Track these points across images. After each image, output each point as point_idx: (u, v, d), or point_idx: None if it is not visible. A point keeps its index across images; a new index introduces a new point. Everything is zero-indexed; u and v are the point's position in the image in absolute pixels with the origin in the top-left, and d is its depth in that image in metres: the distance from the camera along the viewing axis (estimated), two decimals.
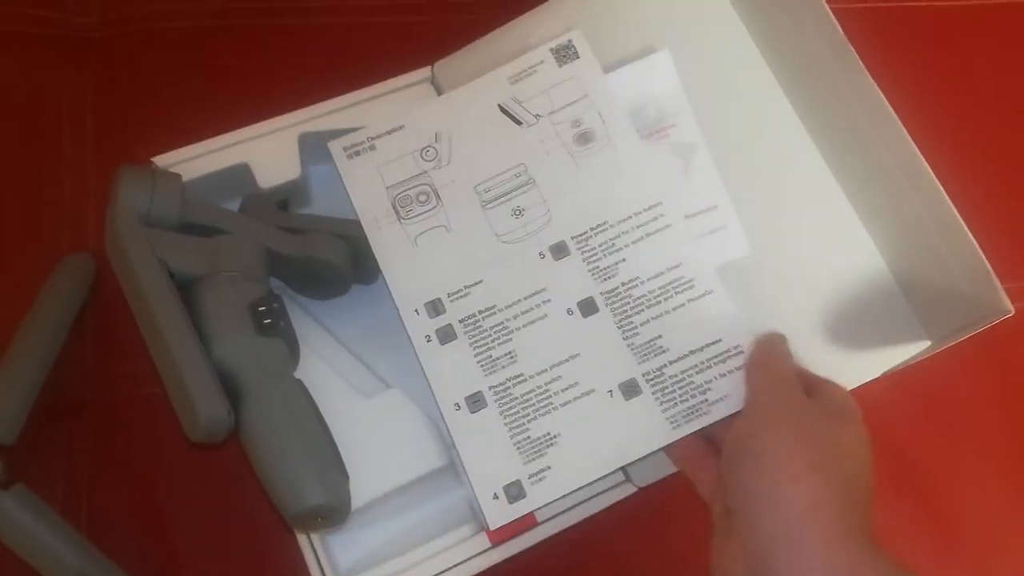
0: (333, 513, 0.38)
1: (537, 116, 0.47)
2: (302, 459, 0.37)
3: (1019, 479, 0.51)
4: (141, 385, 0.47)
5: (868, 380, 0.45)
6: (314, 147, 0.48)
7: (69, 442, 0.46)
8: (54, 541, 0.42)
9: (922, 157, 0.41)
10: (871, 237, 0.46)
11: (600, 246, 0.45)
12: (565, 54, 0.47)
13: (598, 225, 0.45)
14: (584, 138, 0.46)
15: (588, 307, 0.44)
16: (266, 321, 0.40)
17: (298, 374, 0.41)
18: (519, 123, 0.47)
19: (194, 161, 0.46)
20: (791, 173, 0.47)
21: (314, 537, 0.42)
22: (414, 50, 0.49)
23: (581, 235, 0.45)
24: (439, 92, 0.49)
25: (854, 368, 0.45)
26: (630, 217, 0.45)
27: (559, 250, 0.45)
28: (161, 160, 0.45)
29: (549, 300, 0.44)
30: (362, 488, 0.42)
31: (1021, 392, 0.53)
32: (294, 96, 0.47)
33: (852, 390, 0.45)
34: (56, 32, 0.52)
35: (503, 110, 0.47)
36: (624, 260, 0.44)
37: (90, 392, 0.47)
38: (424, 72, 0.49)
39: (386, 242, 0.45)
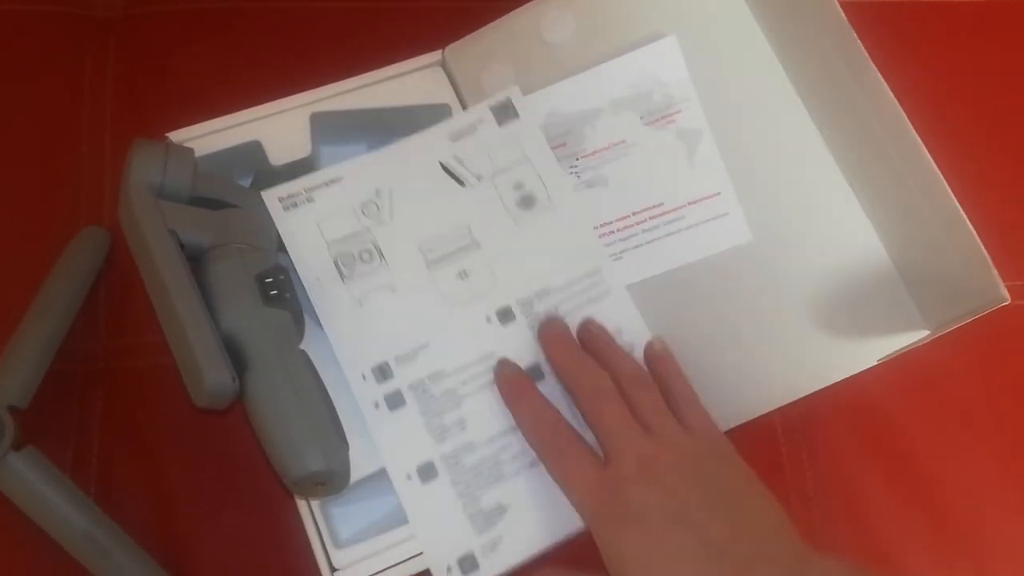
0: (332, 479, 0.39)
1: (479, 177, 0.46)
2: (304, 426, 0.38)
3: (1017, 474, 0.51)
4: (152, 356, 0.48)
5: (866, 367, 0.45)
6: (325, 127, 0.48)
7: (80, 409, 0.47)
8: (62, 503, 0.43)
9: (924, 148, 0.42)
10: (872, 225, 0.46)
11: (543, 312, 0.45)
12: (504, 113, 0.47)
13: (540, 290, 0.45)
14: (526, 202, 0.46)
15: (535, 373, 0.44)
16: (272, 292, 0.41)
17: (303, 349, 0.42)
18: (461, 183, 0.46)
19: (208, 137, 0.47)
20: (794, 160, 0.47)
21: (315, 508, 0.43)
22: (426, 34, 0.49)
23: (525, 300, 0.45)
24: (449, 76, 0.50)
25: (852, 354, 0.45)
26: (571, 284, 0.45)
27: (505, 315, 0.45)
28: (175, 136, 0.46)
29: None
30: (362, 461, 0.43)
31: (1019, 387, 0.53)
32: (307, 77, 0.48)
33: (850, 378, 0.46)
34: (78, 11, 0.54)
35: (445, 168, 0.46)
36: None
37: (102, 362, 0.48)
38: (435, 56, 0.50)
39: (329, 302, 0.44)
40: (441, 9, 0.55)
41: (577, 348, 0.44)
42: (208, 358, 0.38)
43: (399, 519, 0.43)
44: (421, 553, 0.42)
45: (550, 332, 0.44)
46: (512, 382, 0.43)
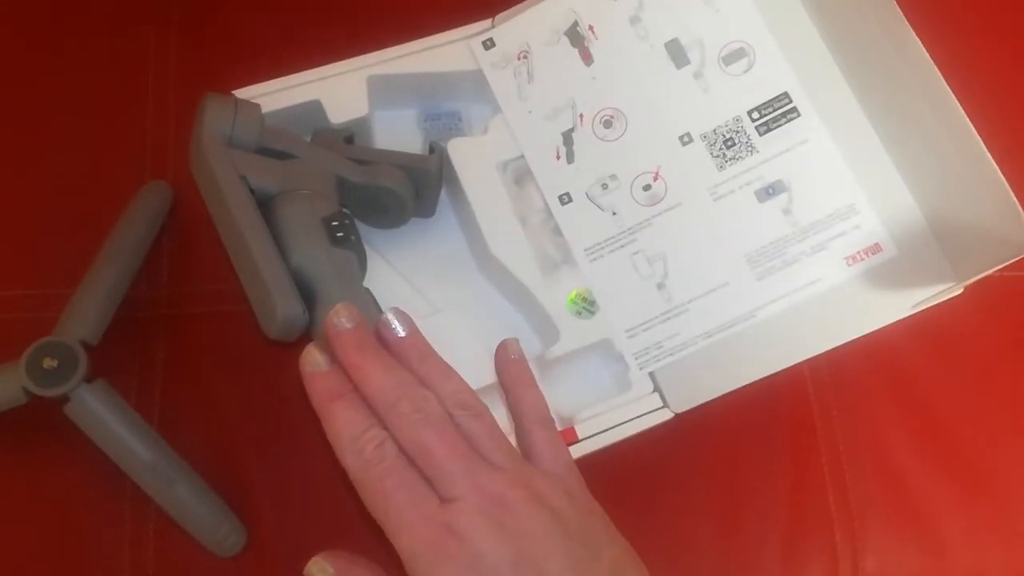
0: None
1: None
2: None
3: None
4: (211, 303, 0.51)
5: (899, 318, 0.47)
6: (381, 89, 0.51)
7: (144, 351, 0.50)
8: (129, 433, 0.45)
9: (955, 99, 0.43)
10: (903, 179, 0.48)
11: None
12: None
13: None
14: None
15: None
16: (339, 234, 0.43)
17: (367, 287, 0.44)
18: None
19: (270, 95, 0.49)
20: (825, 115, 0.49)
21: None
22: (477, 4, 0.52)
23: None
24: (487, 44, 0.52)
25: (885, 305, 0.47)
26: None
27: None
28: (241, 93, 0.49)
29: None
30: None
31: None
32: (365, 41, 0.51)
33: (880, 336, 0.48)
34: None
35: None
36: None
37: (164, 307, 0.51)
38: (485, 24, 0.52)
39: None
40: None
41: (388, 358, 0.35)
42: (280, 290, 0.40)
43: None
44: None
45: (345, 334, 0.35)
46: (326, 382, 0.35)
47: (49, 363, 0.43)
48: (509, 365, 0.41)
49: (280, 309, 0.40)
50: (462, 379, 0.36)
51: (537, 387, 0.41)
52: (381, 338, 0.37)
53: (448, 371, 0.36)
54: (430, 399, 0.34)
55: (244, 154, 0.45)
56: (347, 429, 0.34)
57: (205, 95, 0.45)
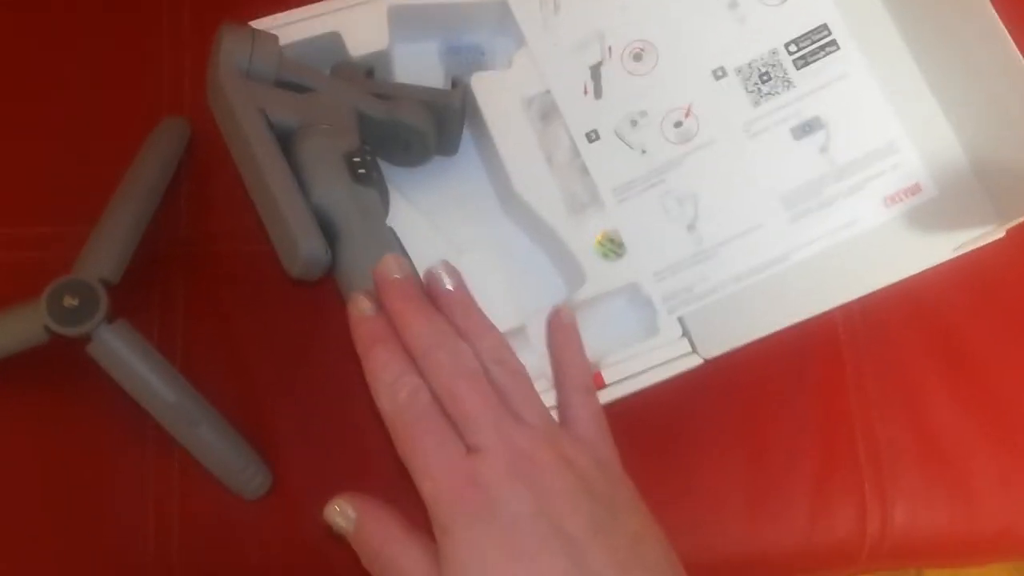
0: None
1: None
2: None
3: None
4: (230, 241, 0.50)
5: (942, 260, 0.46)
6: (402, 20, 0.49)
7: (164, 289, 0.49)
8: (152, 374, 0.44)
9: (1005, 30, 0.42)
10: (947, 119, 0.46)
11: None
12: None
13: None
14: None
15: None
16: (360, 171, 0.42)
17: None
18: None
19: (288, 27, 0.47)
20: (872, 57, 0.47)
21: None
22: None
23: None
24: None
25: (922, 250, 0.46)
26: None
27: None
28: (258, 24, 0.47)
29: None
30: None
31: None
32: None
33: (912, 282, 0.47)
34: None
35: None
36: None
37: (183, 246, 0.50)
38: None
39: None
40: None
41: (431, 309, 0.36)
42: (302, 229, 0.39)
43: None
44: None
45: (393, 283, 0.36)
46: (370, 326, 0.35)
47: (70, 301, 0.43)
48: (559, 330, 0.41)
49: (302, 247, 0.39)
50: (502, 336, 0.37)
51: (584, 356, 0.41)
52: (429, 290, 0.37)
53: (489, 326, 0.37)
54: (467, 350, 0.35)
55: (263, 86, 0.43)
56: (384, 372, 0.34)
57: (221, 25, 0.43)
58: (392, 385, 0.34)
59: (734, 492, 0.50)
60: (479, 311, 0.37)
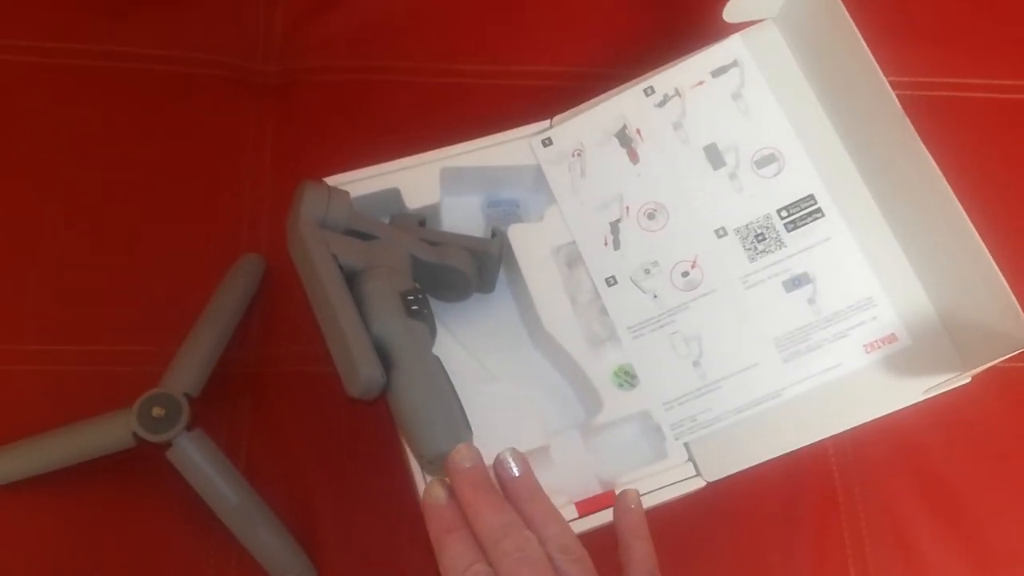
0: None
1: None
2: (439, 414, 0.46)
3: None
4: (295, 364, 0.57)
5: (913, 402, 0.52)
6: (451, 179, 0.58)
7: (233, 403, 0.56)
8: (220, 477, 0.51)
9: (963, 211, 0.49)
10: (919, 279, 0.54)
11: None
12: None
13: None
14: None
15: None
16: (413, 307, 0.49)
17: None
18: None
19: (355, 183, 0.56)
20: (849, 220, 0.55)
21: None
22: (535, 107, 0.59)
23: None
24: (545, 143, 0.59)
25: (898, 392, 0.52)
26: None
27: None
28: (331, 181, 0.56)
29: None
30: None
31: None
32: (437, 137, 0.57)
33: (901, 422, 0.52)
34: (244, 77, 0.64)
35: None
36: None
37: (253, 366, 0.57)
38: (544, 124, 0.59)
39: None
40: (549, 89, 0.65)
41: (499, 497, 0.39)
42: (364, 356, 0.46)
43: None
44: None
45: (464, 470, 0.39)
46: (444, 514, 0.39)
47: (158, 412, 0.50)
48: (627, 514, 0.43)
49: (363, 371, 0.46)
50: (565, 522, 0.40)
51: (650, 540, 0.42)
52: (497, 474, 0.41)
53: (553, 513, 0.40)
54: (532, 540, 0.38)
55: (334, 234, 0.51)
56: (457, 561, 0.37)
57: (303, 181, 0.52)
58: (463, 573, 0.37)
59: None
60: (545, 497, 0.40)
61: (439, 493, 0.40)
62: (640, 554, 0.41)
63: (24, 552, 0.52)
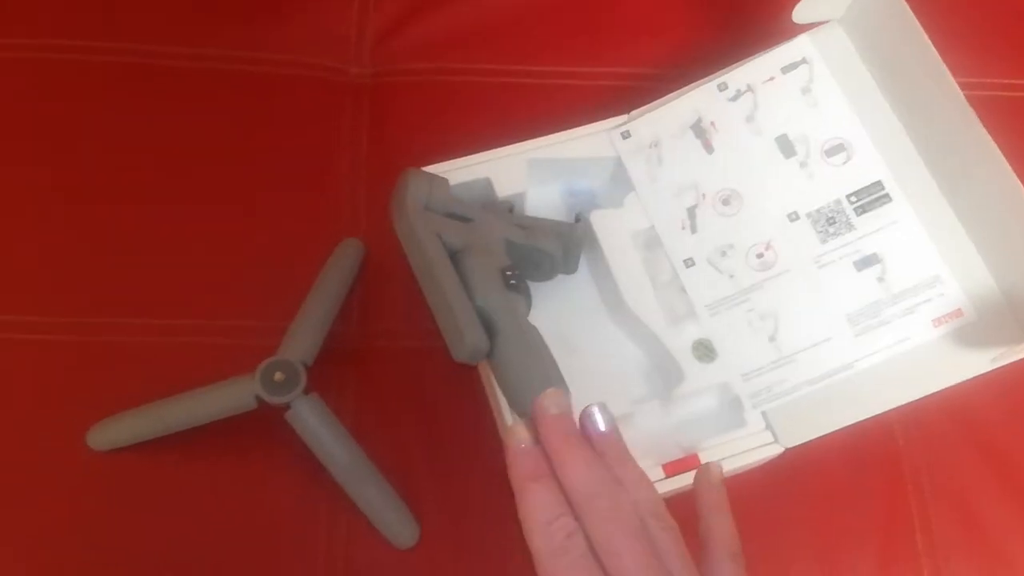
0: None
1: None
2: (539, 371, 0.49)
3: None
4: (394, 338, 0.62)
5: (975, 375, 0.55)
6: (537, 169, 0.62)
7: (340, 373, 0.61)
8: (334, 439, 0.55)
9: (1021, 185, 0.53)
10: (981, 257, 0.57)
11: None
12: None
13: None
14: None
15: None
16: (512, 281, 0.53)
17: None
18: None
19: (449, 173, 0.60)
20: (913, 200, 0.59)
21: None
22: (613, 105, 0.64)
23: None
24: (624, 135, 0.63)
25: (964, 364, 0.55)
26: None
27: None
28: (430, 170, 0.60)
29: None
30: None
31: None
32: (521, 132, 0.62)
33: (965, 396, 0.55)
34: (338, 77, 0.69)
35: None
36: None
37: (356, 341, 0.62)
38: (622, 118, 0.63)
39: None
40: (625, 88, 0.69)
41: (590, 452, 0.37)
42: (469, 324, 0.50)
43: None
44: None
45: (552, 417, 0.38)
46: (528, 460, 0.37)
47: (279, 376, 0.54)
48: (708, 490, 0.41)
49: (468, 338, 0.50)
50: (655, 488, 0.38)
51: (731, 516, 0.40)
52: (583, 427, 0.39)
53: (644, 477, 0.38)
54: (627, 502, 0.35)
55: (436, 216, 0.56)
56: (540, 512, 0.35)
57: (407, 169, 0.56)
58: (548, 526, 0.34)
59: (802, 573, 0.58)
60: (632, 458, 0.38)
61: (524, 435, 0.38)
62: (722, 532, 0.39)
63: (158, 504, 0.57)
